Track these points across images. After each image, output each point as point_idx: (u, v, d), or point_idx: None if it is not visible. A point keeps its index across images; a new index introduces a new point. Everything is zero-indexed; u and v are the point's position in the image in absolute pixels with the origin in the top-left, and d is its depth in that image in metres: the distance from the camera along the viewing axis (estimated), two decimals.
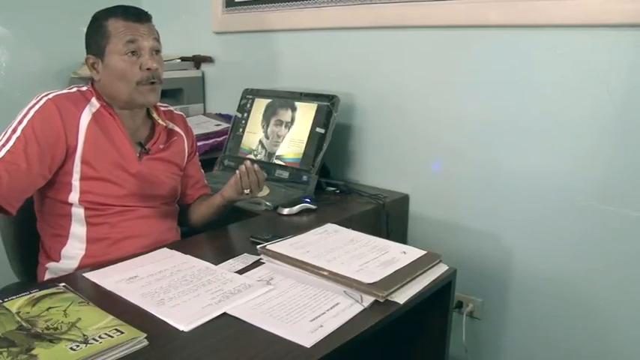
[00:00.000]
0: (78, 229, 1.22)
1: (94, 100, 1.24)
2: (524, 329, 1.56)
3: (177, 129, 1.40)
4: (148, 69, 1.22)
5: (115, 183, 1.23)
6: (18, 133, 1.13)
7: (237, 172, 1.26)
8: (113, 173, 1.23)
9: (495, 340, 1.62)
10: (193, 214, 1.43)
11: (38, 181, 1.16)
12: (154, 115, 1.35)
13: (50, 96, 1.19)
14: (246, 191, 1.27)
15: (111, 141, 1.24)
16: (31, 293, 0.90)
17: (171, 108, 1.45)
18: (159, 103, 1.36)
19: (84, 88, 1.26)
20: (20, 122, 1.14)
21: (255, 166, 1.27)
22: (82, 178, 1.20)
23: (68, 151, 1.18)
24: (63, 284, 0.96)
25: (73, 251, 1.22)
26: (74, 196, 1.20)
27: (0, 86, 2.03)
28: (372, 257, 1.09)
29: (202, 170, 1.52)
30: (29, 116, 1.15)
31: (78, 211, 1.21)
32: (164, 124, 1.35)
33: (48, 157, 1.15)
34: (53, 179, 1.19)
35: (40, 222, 1.27)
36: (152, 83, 1.24)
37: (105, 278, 1.02)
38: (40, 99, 1.18)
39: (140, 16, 1.23)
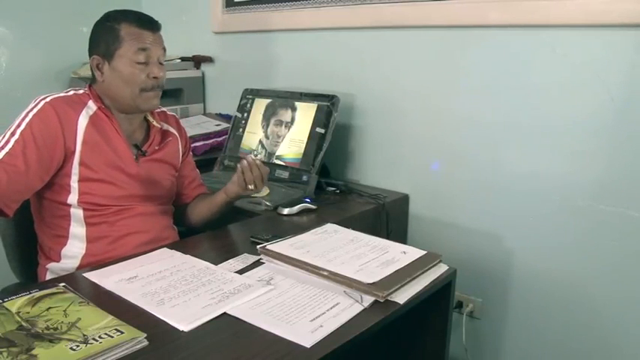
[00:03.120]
0: (77, 230, 1.23)
1: (90, 102, 1.25)
2: (524, 329, 1.56)
3: (171, 129, 1.42)
4: (154, 77, 1.25)
5: (114, 184, 1.24)
6: (17, 136, 1.14)
7: (239, 166, 1.27)
8: (111, 175, 1.24)
9: (495, 340, 1.62)
10: (192, 213, 1.44)
11: (35, 184, 1.17)
12: (149, 117, 1.37)
13: (48, 99, 1.19)
14: (251, 187, 1.28)
15: (108, 143, 1.25)
16: (30, 293, 0.90)
17: (164, 109, 1.47)
18: None
19: (80, 91, 1.27)
20: (19, 125, 1.16)
21: (258, 160, 1.28)
22: (81, 180, 1.20)
23: (67, 154, 1.19)
24: (63, 284, 0.96)
25: (74, 250, 1.23)
26: (73, 198, 1.21)
27: (0, 86, 2.04)
28: (372, 257, 1.09)
29: (197, 170, 1.52)
30: (27, 119, 1.16)
31: (77, 212, 1.22)
32: (159, 126, 1.37)
33: (46, 160, 1.16)
34: (52, 181, 1.20)
35: (39, 223, 1.28)
36: (154, 90, 1.27)
37: (105, 278, 1.02)
38: (38, 102, 1.19)
39: (153, 25, 1.26)
